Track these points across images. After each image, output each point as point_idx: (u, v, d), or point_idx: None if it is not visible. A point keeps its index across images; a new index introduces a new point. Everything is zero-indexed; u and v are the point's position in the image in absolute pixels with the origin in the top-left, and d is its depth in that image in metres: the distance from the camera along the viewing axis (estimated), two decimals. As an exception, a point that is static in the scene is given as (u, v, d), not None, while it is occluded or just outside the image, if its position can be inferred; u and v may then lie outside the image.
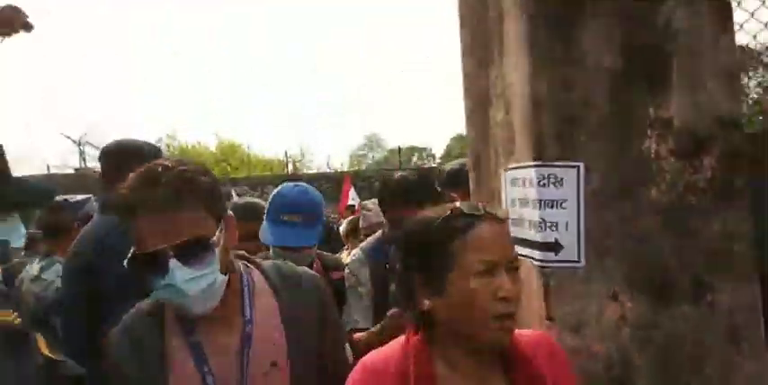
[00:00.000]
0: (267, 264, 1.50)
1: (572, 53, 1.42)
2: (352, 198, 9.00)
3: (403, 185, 2.24)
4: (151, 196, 1.20)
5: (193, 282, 1.21)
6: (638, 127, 1.42)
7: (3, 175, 1.35)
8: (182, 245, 1.20)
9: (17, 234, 1.41)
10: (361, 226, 3.92)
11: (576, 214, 1.42)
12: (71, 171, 18.83)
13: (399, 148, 22.47)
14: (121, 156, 2.12)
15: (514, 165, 1.57)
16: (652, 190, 1.42)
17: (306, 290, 1.44)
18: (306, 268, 1.57)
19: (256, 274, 1.45)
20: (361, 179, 17.28)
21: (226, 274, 1.29)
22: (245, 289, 1.38)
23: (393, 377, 1.12)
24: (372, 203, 3.62)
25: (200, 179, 1.25)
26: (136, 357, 1.31)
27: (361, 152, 50.76)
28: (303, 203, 2.14)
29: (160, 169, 1.23)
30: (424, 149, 42.22)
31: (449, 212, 1.14)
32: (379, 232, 2.44)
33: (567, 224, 1.42)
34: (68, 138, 21.03)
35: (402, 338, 1.20)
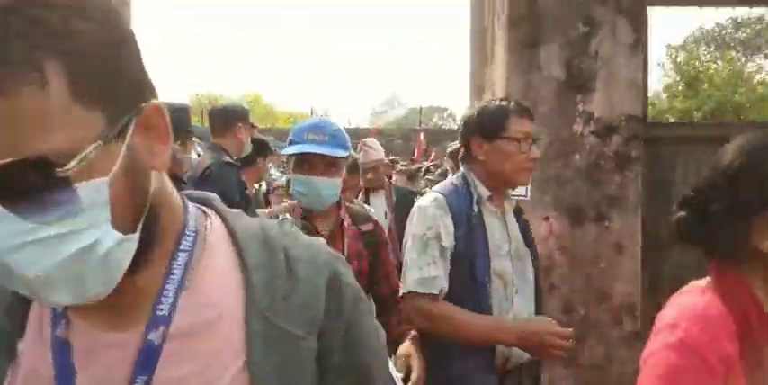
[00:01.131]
0: (249, 222, 0.68)
1: (533, 66, 2.26)
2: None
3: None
4: None
5: (35, 248, 0.50)
6: (570, 116, 2.27)
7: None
8: (8, 169, 0.47)
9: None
10: (360, 161, 3.77)
11: (529, 168, 2.29)
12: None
13: (420, 108, 23.05)
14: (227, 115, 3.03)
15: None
16: (576, 156, 2.28)
17: (310, 291, 0.64)
18: (318, 243, 0.72)
19: (218, 236, 0.65)
20: (383, 136, 17.84)
21: (136, 230, 0.55)
22: (179, 258, 0.61)
23: (731, 321, 0.96)
24: (372, 141, 4.00)
25: (76, 24, 0.49)
26: None
27: (381, 109, 51.12)
28: (328, 125, 1.87)
29: None
30: (445, 109, 42.68)
31: None
32: (454, 176, 1.94)
33: (523, 174, 2.30)
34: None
35: (701, 286, 1.04)
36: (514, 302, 1.76)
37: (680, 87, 20.71)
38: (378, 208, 3.76)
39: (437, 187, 1.92)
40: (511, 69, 2.28)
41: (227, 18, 77.34)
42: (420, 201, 1.85)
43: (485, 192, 1.80)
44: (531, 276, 1.86)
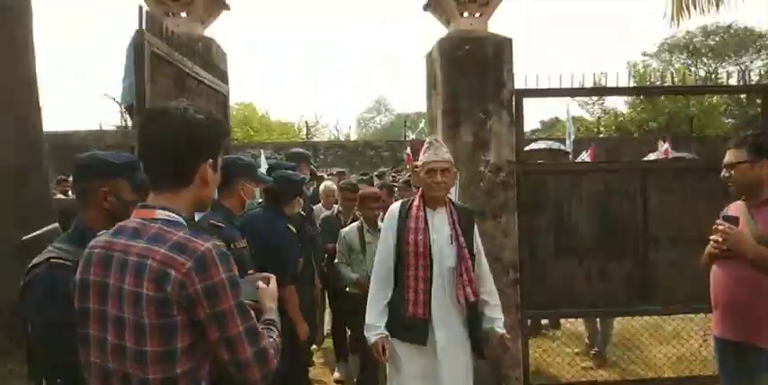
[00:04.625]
0: None
1: (457, 136, 4.24)
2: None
3: None
4: None
5: None
6: (477, 162, 4.25)
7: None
8: None
9: None
10: (431, 160, 3.13)
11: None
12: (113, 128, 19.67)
13: (405, 122, 23.30)
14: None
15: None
16: (481, 183, 4.26)
17: None
18: None
19: None
20: (371, 148, 17.51)
21: None
22: None
23: None
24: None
25: None
26: None
27: (369, 115, 52.83)
28: None
29: None
30: (430, 117, 44.25)
31: None
32: None
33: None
34: (110, 97, 22.32)
35: None
36: None
37: (638, 100, 22.56)
38: (443, 224, 3.06)
39: None
40: (445, 138, 4.27)
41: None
42: None
43: None
44: None
